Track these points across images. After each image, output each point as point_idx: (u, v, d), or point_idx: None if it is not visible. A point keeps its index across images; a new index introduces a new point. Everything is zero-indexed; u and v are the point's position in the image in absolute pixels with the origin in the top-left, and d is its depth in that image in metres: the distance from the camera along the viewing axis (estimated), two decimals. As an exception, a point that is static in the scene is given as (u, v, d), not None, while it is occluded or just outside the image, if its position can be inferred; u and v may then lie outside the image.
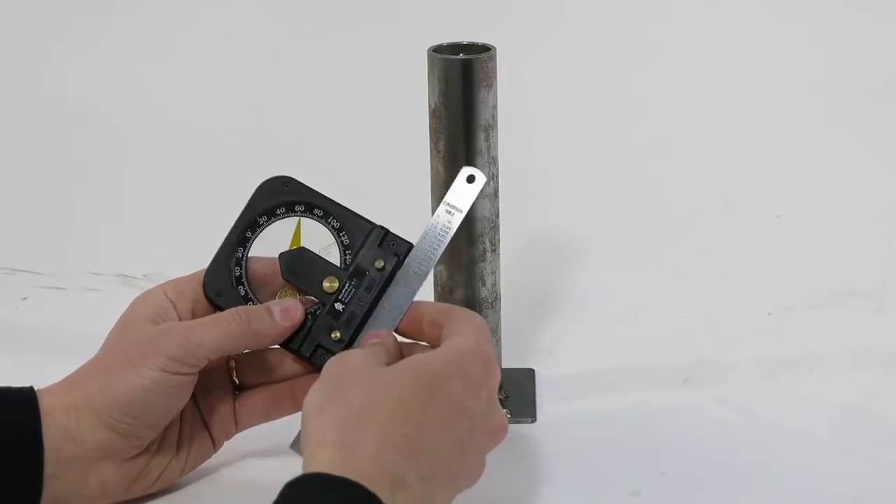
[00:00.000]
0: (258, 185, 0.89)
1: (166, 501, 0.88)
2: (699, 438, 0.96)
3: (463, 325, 0.82)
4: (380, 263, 0.86)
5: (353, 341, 0.86)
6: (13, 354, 1.09)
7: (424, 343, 0.85)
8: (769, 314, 1.14)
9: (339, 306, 0.86)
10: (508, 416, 0.99)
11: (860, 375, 1.04)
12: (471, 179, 0.87)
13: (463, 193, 0.87)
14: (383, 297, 0.86)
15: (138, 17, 1.49)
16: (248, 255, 0.88)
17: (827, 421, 0.98)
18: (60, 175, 1.39)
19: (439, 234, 0.86)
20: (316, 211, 0.88)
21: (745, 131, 1.39)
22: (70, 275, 1.23)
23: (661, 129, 1.40)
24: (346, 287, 0.86)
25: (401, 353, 0.83)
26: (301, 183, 0.89)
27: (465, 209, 0.86)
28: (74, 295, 1.21)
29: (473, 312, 0.84)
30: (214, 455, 0.90)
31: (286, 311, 0.85)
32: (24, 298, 1.20)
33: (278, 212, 0.88)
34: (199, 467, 0.90)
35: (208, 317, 0.85)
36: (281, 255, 0.87)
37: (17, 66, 1.49)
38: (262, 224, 0.88)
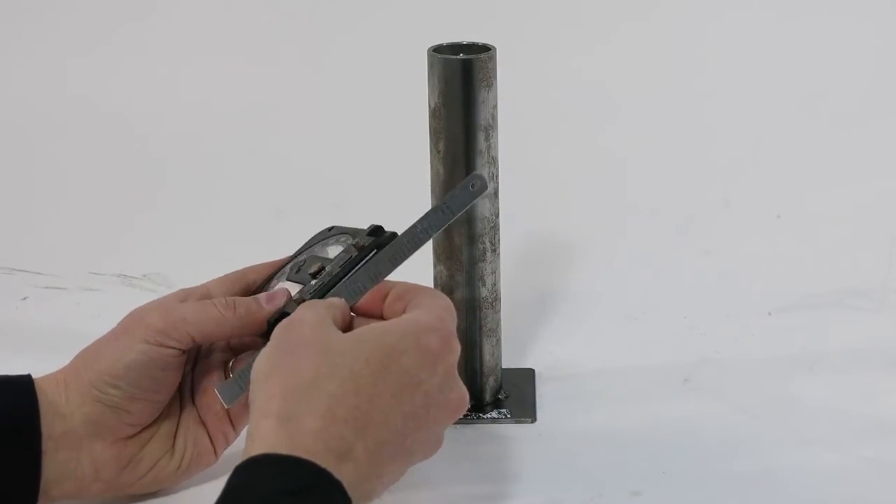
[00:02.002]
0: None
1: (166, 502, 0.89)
2: (699, 438, 0.96)
3: (427, 300, 0.82)
4: (357, 241, 0.87)
5: None
6: (13, 354, 1.09)
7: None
8: (769, 314, 1.14)
9: (313, 282, 0.87)
10: (508, 416, 1.00)
11: (860, 375, 1.04)
12: (474, 186, 0.86)
13: (462, 197, 0.86)
14: (349, 275, 0.86)
15: (138, 17, 1.49)
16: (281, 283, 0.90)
17: (827, 421, 0.98)
18: (61, 175, 1.39)
19: (424, 229, 0.86)
20: (343, 238, 0.89)
21: (744, 131, 1.39)
22: (70, 275, 1.23)
23: (661, 128, 1.40)
24: (328, 268, 0.87)
25: (351, 323, 0.83)
26: (343, 227, 0.91)
27: (459, 212, 0.86)
28: (74, 295, 1.21)
29: (442, 294, 0.84)
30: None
31: (272, 297, 0.86)
32: (24, 298, 1.20)
33: (314, 247, 0.91)
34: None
35: (203, 301, 0.86)
36: (291, 265, 0.90)
37: (17, 66, 1.49)
38: (299, 260, 0.90)
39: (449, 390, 0.78)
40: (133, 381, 0.83)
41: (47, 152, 1.43)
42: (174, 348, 0.84)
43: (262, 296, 0.86)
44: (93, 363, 0.83)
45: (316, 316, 0.80)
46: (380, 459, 0.74)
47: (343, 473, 0.72)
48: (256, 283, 0.90)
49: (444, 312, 0.81)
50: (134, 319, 0.84)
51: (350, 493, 0.72)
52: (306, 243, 0.92)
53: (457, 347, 0.79)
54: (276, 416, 0.73)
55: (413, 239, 0.86)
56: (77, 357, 0.85)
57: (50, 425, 0.82)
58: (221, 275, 0.90)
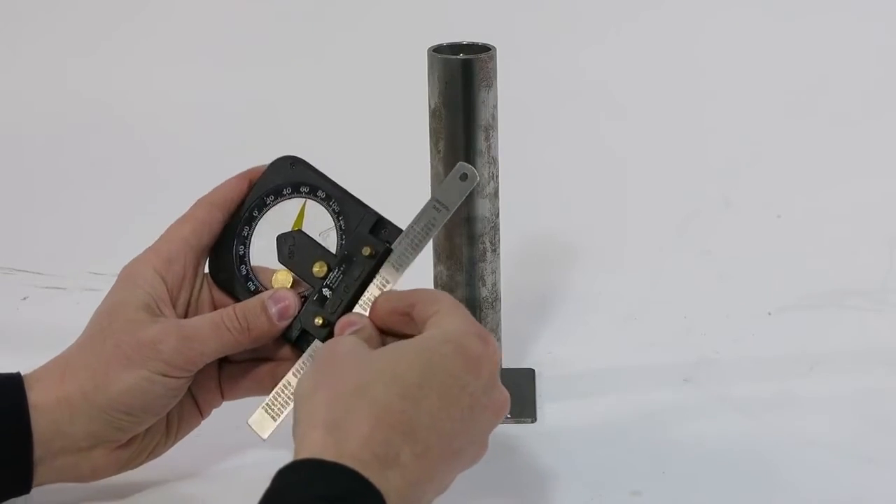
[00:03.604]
0: (270, 162, 0.89)
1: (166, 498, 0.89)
2: (699, 438, 0.96)
3: (441, 304, 0.80)
4: (367, 250, 0.85)
5: None
6: (13, 354, 1.08)
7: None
8: (769, 314, 1.14)
9: (326, 292, 0.86)
10: (508, 416, 1.00)
11: (860, 375, 1.04)
12: (464, 177, 0.85)
13: (453, 190, 0.85)
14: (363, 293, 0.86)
15: (138, 17, 1.49)
16: (254, 236, 0.88)
17: (827, 421, 0.98)
18: (61, 175, 1.39)
19: (423, 229, 0.85)
20: (319, 193, 0.87)
21: (745, 131, 1.39)
22: (70, 275, 1.23)
23: (661, 128, 1.40)
24: (335, 272, 0.86)
25: (380, 338, 0.82)
26: (308, 164, 0.89)
27: (453, 207, 0.85)
28: (74, 295, 1.20)
29: (439, 291, 0.83)
30: (213, 455, 0.91)
31: (283, 309, 0.85)
32: (24, 298, 1.20)
33: (284, 192, 0.88)
34: (197, 465, 0.90)
35: (207, 319, 0.84)
36: (278, 238, 0.87)
37: (17, 65, 1.49)
38: (269, 203, 0.88)
39: (493, 391, 0.78)
40: (147, 409, 0.83)
41: (47, 152, 1.43)
42: (189, 376, 0.83)
43: (272, 310, 0.84)
44: (103, 388, 0.82)
45: (353, 339, 0.80)
46: (428, 463, 0.73)
47: (390, 480, 0.71)
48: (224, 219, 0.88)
49: (465, 312, 0.80)
50: (145, 345, 0.82)
51: (398, 500, 0.71)
52: (265, 181, 0.88)
53: (497, 347, 0.79)
54: (324, 425, 0.73)
55: (414, 241, 0.85)
56: (79, 369, 0.83)
57: (48, 442, 0.81)
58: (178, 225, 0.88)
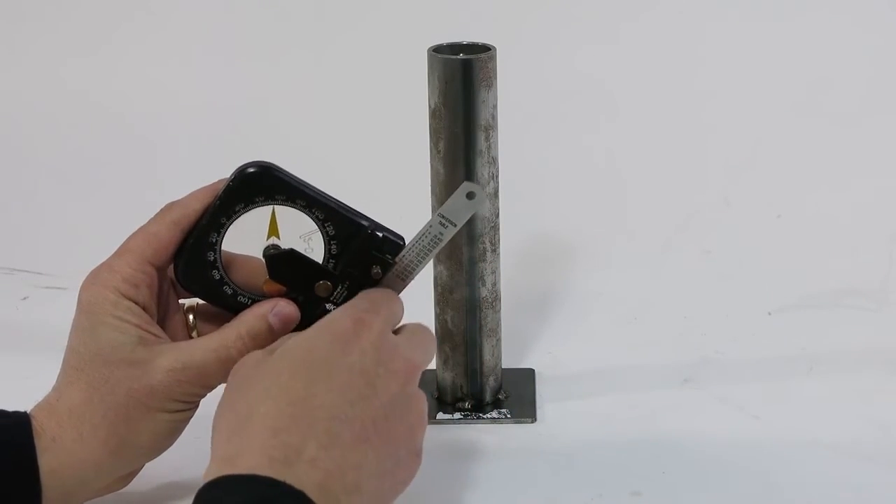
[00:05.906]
0: (238, 168, 0.86)
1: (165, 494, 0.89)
2: (699, 438, 0.96)
3: (355, 299, 0.82)
4: (376, 270, 0.85)
5: None
6: (13, 354, 1.09)
7: None
8: (769, 314, 1.14)
9: (329, 307, 0.85)
10: (508, 416, 1.00)
11: (860, 375, 1.04)
12: (470, 196, 0.83)
13: (460, 208, 0.84)
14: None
15: (137, 16, 1.49)
16: (223, 241, 0.85)
17: (827, 421, 0.98)
18: (61, 175, 1.39)
19: (429, 243, 0.84)
20: (298, 201, 0.84)
21: (744, 131, 1.39)
22: (70, 275, 1.22)
23: (661, 128, 1.40)
24: (339, 289, 0.86)
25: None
26: (279, 175, 0.85)
27: (460, 224, 0.84)
28: (74, 295, 1.20)
29: (376, 289, 0.83)
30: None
31: (285, 323, 0.84)
32: (24, 298, 1.20)
33: (257, 199, 0.85)
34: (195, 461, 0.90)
35: (212, 354, 0.83)
36: (266, 255, 0.85)
37: (17, 65, 1.49)
38: (239, 210, 0.85)
39: (389, 361, 0.77)
40: (170, 440, 0.84)
41: (47, 152, 1.43)
42: (197, 404, 0.85)
43: (274, 322, 0.84)
44: (129, 441, 0.82)
45: (255, 358, 0.79)
46: (345, 449, 0.73)
47: (302, 476, 0.71)
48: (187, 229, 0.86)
49: (360, 300, 0.81)
50: (159, 390, 0.82)
51: (322, 492, 0.71)
52: (234, 190, 0.84)
53: (371, 321, 0.78)
54: (219, 458, 0.73)
55: (420, 252, 0.84)
56: (97, 429, 0.82)
57: (62, 487, 0.82)
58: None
